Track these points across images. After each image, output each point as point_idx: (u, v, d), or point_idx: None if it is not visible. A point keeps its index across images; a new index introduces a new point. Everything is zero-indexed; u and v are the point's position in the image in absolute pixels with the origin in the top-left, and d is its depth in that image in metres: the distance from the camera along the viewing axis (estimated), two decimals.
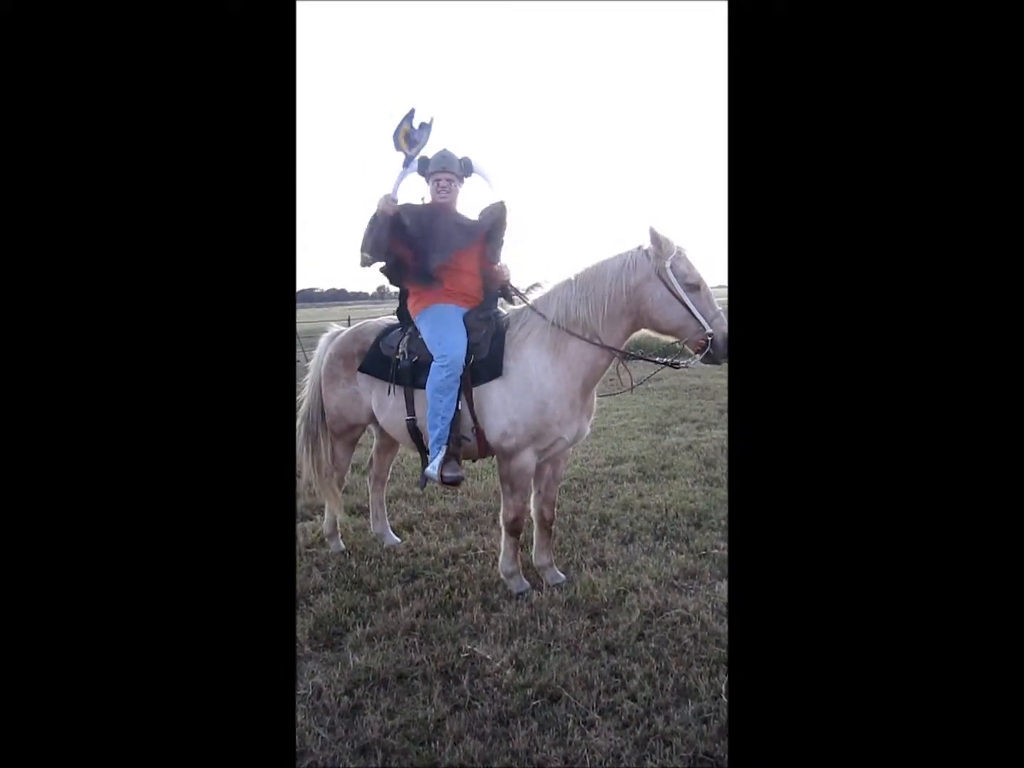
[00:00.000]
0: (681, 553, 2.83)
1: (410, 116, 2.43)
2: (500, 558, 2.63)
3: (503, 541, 2.60)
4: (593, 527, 3.17)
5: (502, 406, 2.44)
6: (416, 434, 2.63)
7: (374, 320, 2.95)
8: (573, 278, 2.51)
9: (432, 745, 1.70)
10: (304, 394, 3.05)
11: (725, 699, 1.83)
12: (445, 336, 2.50)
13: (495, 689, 1.92)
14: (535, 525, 2.68)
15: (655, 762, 1.61)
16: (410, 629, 2.27)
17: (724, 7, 1.11)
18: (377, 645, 2.17)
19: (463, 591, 2.54)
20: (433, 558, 2.87)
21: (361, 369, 2.76)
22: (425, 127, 2.47)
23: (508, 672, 1.98)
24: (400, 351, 2.63)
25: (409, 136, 2.44)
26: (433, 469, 2.49)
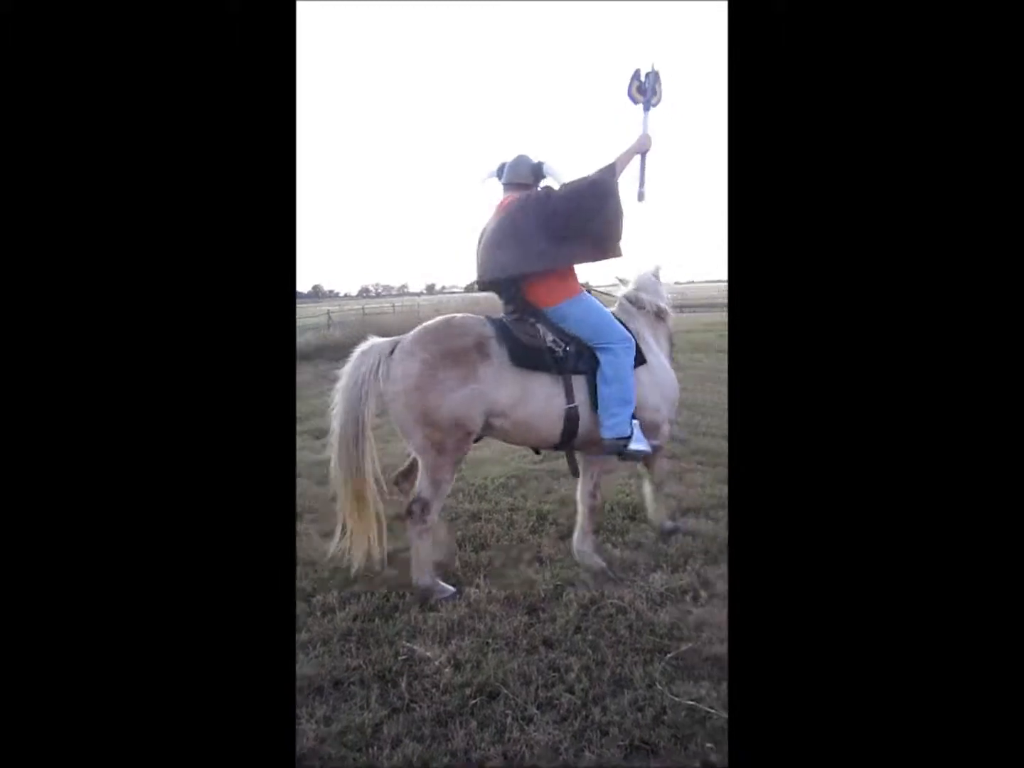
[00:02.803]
0: (616, 546, 2.88)
1: (636, 74, 2.73)
2: (583, 539, 2.74)
3: (586, 518, 2.77)
4: (531, 523, 3.19)
5: (652, 386, 2.75)
6: (570, 422, 2.54)
7: (438, 317, 2.63)
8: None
9: (370, 750, 1.67)
10: (337, 424, 2.50)
11: (660, 687, 1.87)
12: (612, 322, 2.62)
13: (433, 690, 1.90)
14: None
15: (593, 753, 1.64)
16: (347, 634, 2.23)
17: (724, 7, 1.11)
18: (312, 652, 2.13)
19: (401, 593, 2.52)
20: (371, 561, 2.82)
21: (515, 362, 2.48)
22: (652, 75, 2.73)
23: (446, 672, 1.97)
24: (551, 340, 2.54)
25: (641, 87, 2.73)
26: (642, 442, 2.58)
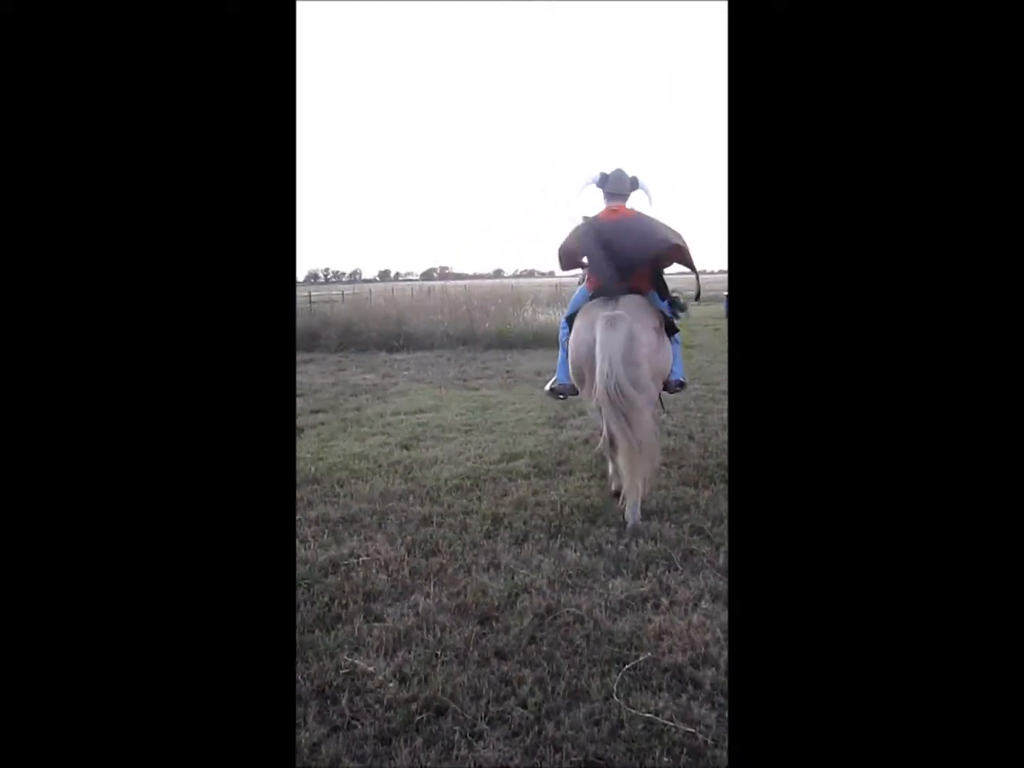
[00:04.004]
0: (575, 551, 2.90)
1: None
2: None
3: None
4: (485, 527, 3.19)
5: None
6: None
7: (634, 295, 3.45)
8: None
9: None
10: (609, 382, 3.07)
11: (616, 699, 1.90)
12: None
13: (377, 706, 1.89)
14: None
15: None
16: None
17: (724, 7, 1.15)
18: None
19: (344, 602, 2.50)
20: (310, 567, 2.80)
21: (668, 334, 3.51)
22: None
23: (391, 687, 1.97)
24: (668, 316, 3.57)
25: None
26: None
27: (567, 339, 3.67)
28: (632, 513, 3.17)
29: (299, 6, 1.24)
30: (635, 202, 3.76)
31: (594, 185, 3.68)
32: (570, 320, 3.61)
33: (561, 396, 3.94)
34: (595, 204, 3.72)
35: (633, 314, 3.29)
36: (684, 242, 3.52)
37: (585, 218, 3.63)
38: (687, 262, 3.61)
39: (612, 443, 3.24)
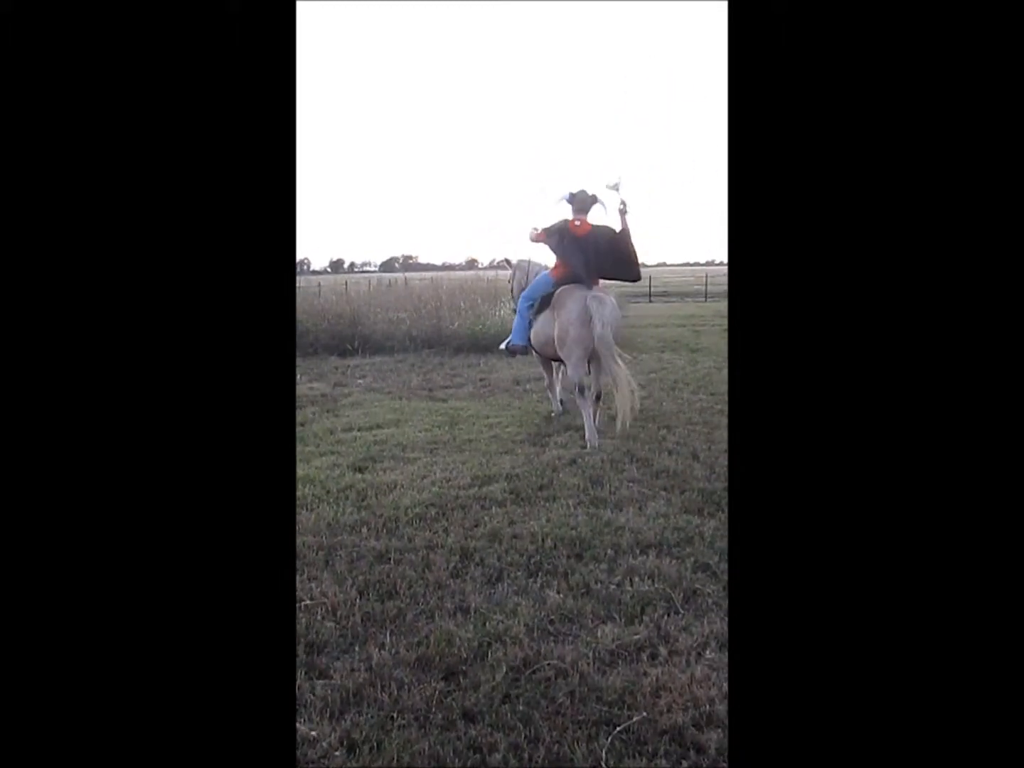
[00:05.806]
0: (559, 592, 2.91)
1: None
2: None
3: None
4: (452, 564, 3.19)
5: None
6: None
7: (601, 291, 5.79)
8: None
9: None
10: (602, 333, 5.32)
11: (605, 767, 1.90)
12: None
13: None
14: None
15: None
16: None
17: (724, 7, 1.31)
18: None
19: None
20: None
21: None
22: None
23: (337, 756, 1.96)
24: None
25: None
26: None
27: (529, 310, 6.00)
28: (589, 431, 5.32)
29: (299, 6, 1.41)
30: (593, 215, 5.89)
31: (565, 201, 5.84)
32: (542, 299, 5.87)
33: (513, 355, 7.02)
34: (563, 213, 5.98)
35: (607, 294, 5.73)
36: (624, 240, 5.74)
37: (565, 221, 5.81)
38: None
39: (582, 391, 5.42)
